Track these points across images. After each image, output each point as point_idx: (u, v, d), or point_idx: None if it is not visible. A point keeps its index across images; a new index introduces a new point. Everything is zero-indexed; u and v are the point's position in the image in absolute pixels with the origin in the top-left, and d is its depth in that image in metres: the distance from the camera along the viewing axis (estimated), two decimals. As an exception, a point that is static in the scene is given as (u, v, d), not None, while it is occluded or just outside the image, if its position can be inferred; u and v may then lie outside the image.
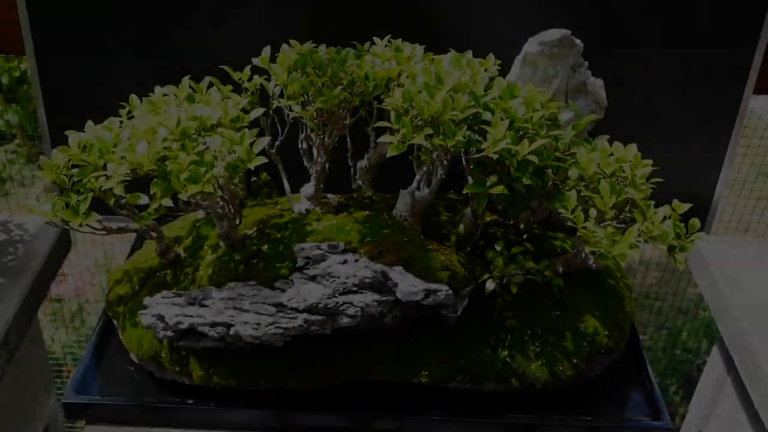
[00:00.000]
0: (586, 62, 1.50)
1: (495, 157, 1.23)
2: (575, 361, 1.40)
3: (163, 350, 1.37)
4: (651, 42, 1.76)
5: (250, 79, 1.40)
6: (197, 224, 1.53)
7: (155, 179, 1.21)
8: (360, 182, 1.55)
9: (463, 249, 1.45)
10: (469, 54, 1.43)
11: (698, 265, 1.85)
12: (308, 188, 1.43)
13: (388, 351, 1.38)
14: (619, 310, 1.48)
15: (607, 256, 1.28)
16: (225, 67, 1.39)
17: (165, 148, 1.22)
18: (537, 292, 1.45)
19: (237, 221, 1.40)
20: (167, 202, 1.21)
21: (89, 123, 1.34)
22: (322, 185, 1.51)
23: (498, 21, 1.70)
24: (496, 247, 1.41)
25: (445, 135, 1.21)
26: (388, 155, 1.21)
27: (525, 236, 1.52)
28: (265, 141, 1.24)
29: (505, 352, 1.39)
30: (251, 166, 1.21)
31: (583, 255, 1.44)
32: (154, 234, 1.43)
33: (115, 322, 1.48)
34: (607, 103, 1.52)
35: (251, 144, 1.23)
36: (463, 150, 1.30)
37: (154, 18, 1.73)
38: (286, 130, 1.43)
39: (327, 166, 1.53)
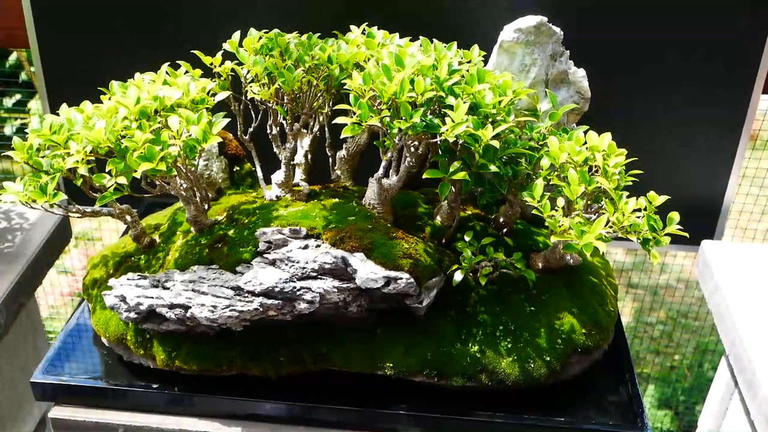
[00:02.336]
0: (567, 51, 1.45)
1: (452, 139, 1.19)
2: (548, 359, 1.34)
3: (129, 333, 1.38)
4: (656, 44, 1.71)
5: (222, 64, 1.40)
6: (176, 211, 1.53)
7: (113, 158, 1.22)
8: (339, 172, 1.53)
9: (437, 240, 1.42)
10: (454, 45, 1.41)
11: (703, 269, 1.77)
12: (279, 175, 1.42)
13: (353, 341, 1.35)
14: (601, 308, 1.43)
15: (574, 247, 1.23)
16: (196, 52, 1.39)
17: (125, 127, 1.23)
18: (513, 287, 1.41)
19: (205, 206, 1.40)
20: (123, 180, 1.21)
21: (63, 105, 1.36)
22: (303, 173, 1.50)
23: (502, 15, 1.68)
24: (465, 237, 1.37)
25: (403, 117, 1.19)
26: (342, 136, 1.19)
27: (504, 230, 1.48)
28: (224, 121, 1.24)
29: (475, 348, 1.35)
30: (207, 145, 1.21)
31: (560, 249, 1.40)
32: (128, 218, 1.43)
33: (89, 305, 1.49)
34: (590, 95, 1.47)
35: (210, 124, 1.22)
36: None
37: (155, 11, 1.76)
38: (259, 116, 1.43)
39: (309, 156, 1.52)
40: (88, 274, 1.50)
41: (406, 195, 1.52)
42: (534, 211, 1.26)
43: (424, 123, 1.21)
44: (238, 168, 1.59)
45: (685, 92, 1.77)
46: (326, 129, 1.52)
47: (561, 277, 1.44)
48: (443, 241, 1.43)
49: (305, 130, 1.50)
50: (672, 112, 1.80)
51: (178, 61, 1.40)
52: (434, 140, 1.23)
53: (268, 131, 1.39)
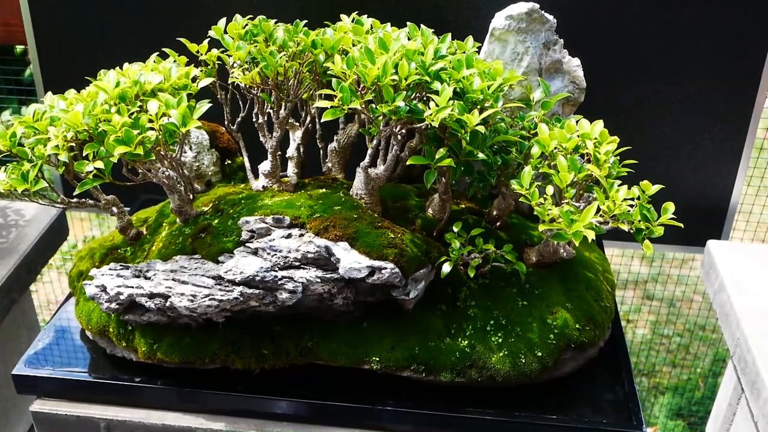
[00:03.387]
0: (561, 40, 1.42)
1: (437, 124, 1.16)
2: (540, 354, 1.30)
3: (111, 324, 1.35)
4: (661, 42, 1.67)
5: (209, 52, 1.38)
6: (166, 204, 1.51)
7: (91, 142, 1.20)
8: (330, 165, 1.50)
9: (428, 233, 1.38)
10: (449, 37, 1.38)
11: (708, 269, 1.72)
12: (265, 165, 1.40)
13: (339, 335, 1.32)
14: (596, 304, 1.38)
15: (564, 236, 1.19)
16: (182, 39, 1.37)
17: (104, 111, 1.21)
18: (505, 281, 1.37)
19: (190, 196, 1.37)
20: (100, 165, 1.19)
21: (48, 93, 1.35)
22: (295, 167, 1.47)
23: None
24: (453, 228, 1.34)
25: (385, 101, 1.16)
26: (322, 120, 1.16)
27: (498, 224, 1.44)
28: (205, 106, 1.22)
29: (465, 342, 1.31)
30: (185, 129, 1.18)
31: (556, 243, 1.36)
32: (114, 210, 1.41)
33: (74, 298, 1.47)
34: (585, 84, 1.43)
35: (190, 109, 1.20)
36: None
37: (153, 7, 1.75)
38: (247, 106, 1.40)
39: (301, 149, 1.49)
40: (75, 266, 1.48)
41: (398, 188, 1.49)
42: (521, 199, 1.22)
43: (408, 108, 1.18)
44: (229, 161, 1.57)
45: (690, 91, 1.73)
46: (317, 121, 1.49)
47: (555, 271, 1.40)
48: (434, 233, 1.39)
49: (297, 123, 1.47)
50: (677, 112, 1.75)
51: (164, 49, 1.39)
52: (419, 125, 1.20)
53: (254, 119, 1.37)
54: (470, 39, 1.39)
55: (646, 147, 1.78)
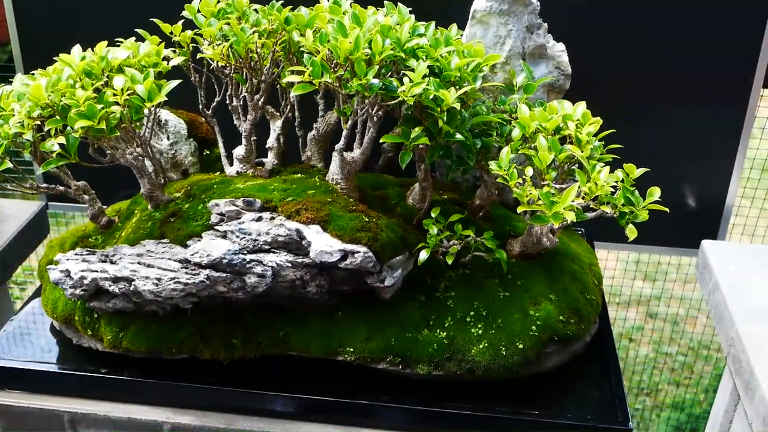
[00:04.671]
0: (545, 24, 1.37)
1: (411, 101, 1.12)
2: (521, 346, 1.24)
3: (77, 312, 1.30)
4: (656, 42, 1.64)
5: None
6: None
7: (53, 117, 1.16)
8: (309, 153, 1.46)
9: (408, 222, 1.33)
10: (432, 24, 1.34)
11: (703, 269, 1.67)
12: (239, 150, 1.35)
13: (312, 325, 1.27)
14: (581, 296, 1.33)
15: (543, 218, 1.14)
16: (155, 20, 1.34)
17: (69, 86, 1.17)
18: (486, 271, 1.32)
19: (161, 180, 1.33)
20: (63, 140, 1.15)
21: (18, 74, 1.31)
22: (275, 157, 1.44)
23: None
24: (432, 214, 1.29)
25: (356, 75, 1.12)
26: (292, 95, 1.12)
27: (481, 214, 1.39)
28: (174, 83, 1.18)
29: (443, 334, 1.25)
30: (152, 105, 1.15)
31: (539, 232, 1.31)
32: (85, 197, 1.37)
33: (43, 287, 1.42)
34: (570, 71, 1.39)
35: (158, 85, 1.16)
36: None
37: (141, 4, 1.73)
38: (222, 90, 1.37)
39: (281, 139, 1.46)
40: (45, 255, 1.44)
41: (379, 177, 1.45)
42: (499, 180, 1.18)
43: (382, 84, 1.14)
44: (208, 152, 1.53)
45: (683, 91, 1.69)
46: (296, 109, 1.45)
47: (539, 262, 1.34)
48: (414, 222, 1.34)
49: (277, 112, 1.44)
50: (671, 112, 1.71)
51: (138, 30, 1.35)
52: (394, 102, 1.16)
53: (228, 102, 1.33)
54: (454, 26, 1.36)
55: (640, 147, 1.72)
